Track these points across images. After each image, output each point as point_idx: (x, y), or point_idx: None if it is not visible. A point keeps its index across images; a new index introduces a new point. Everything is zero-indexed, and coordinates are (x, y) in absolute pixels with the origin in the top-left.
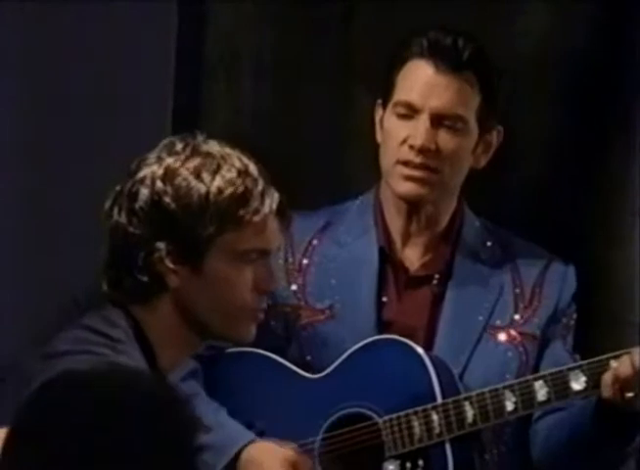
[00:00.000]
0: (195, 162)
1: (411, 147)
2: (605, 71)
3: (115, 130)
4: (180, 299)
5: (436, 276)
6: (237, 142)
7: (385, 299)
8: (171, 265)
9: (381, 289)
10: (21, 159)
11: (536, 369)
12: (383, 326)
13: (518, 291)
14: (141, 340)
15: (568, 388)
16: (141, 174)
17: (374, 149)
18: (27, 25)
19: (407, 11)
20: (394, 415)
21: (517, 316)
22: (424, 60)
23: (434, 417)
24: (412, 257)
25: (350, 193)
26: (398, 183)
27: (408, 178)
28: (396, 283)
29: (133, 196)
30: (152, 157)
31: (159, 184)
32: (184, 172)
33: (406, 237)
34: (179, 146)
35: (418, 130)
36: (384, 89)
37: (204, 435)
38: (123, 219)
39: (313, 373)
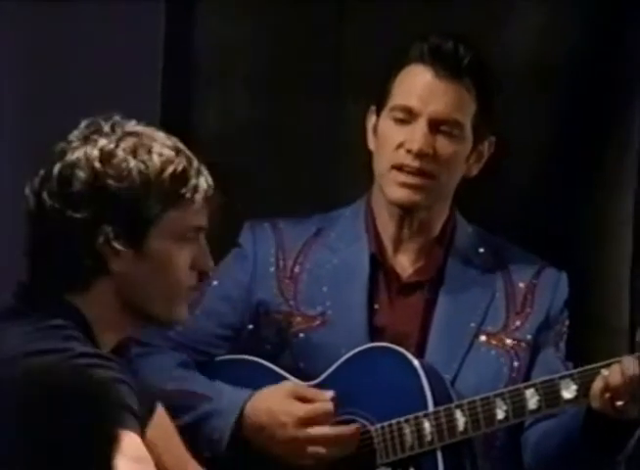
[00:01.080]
0: (129, 142)
1: (408, 151)
2: (599, 77)
3: None
4: (122, 282)
5: (428, 283)
6: (229, 152)
7: (376, 305)
8: (116, 248)
9: (372, 295)
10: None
11: (528, 376)
12: (374, 333)
13: (510, 297)
14: (81, 324)
15: (558, 396)
16: (72, 157)
17: (365, 159)
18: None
19: (402, 17)
20: (386, 423)
21: (509, 323)
22: (423, 65)
23: (426, 425)
24: (404, 263)
25: (341, 203)
26: (392, 189)
27: (403, 185)
28: (388, 290)
29: (66, 179)
30: (77, 139)
31: (97, 165)
32: (121, 153)
33: (398, 243)
34: (106, 127)
35: (415, 135)
36: (379, 95)
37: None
38: (57, 204)
39: (306, 380)
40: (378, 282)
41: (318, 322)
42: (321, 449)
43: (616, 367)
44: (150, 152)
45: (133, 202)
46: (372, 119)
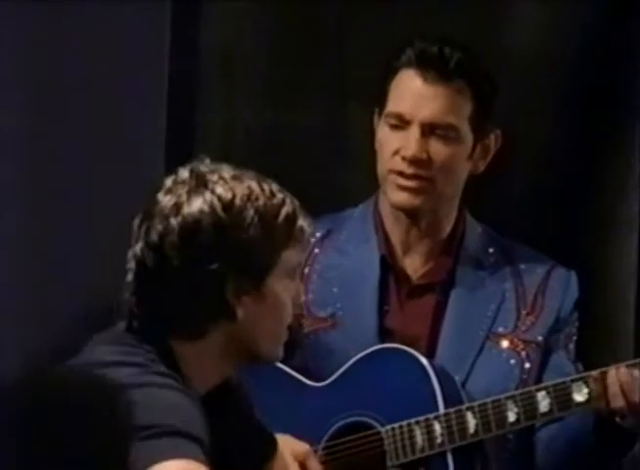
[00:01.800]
0: (241, 188)
1: (403, 158)
2: (602, 74)
3: (108, 148)
4: (240, 327)
5: (439, 284)
6: (232, 156)
7: (387, 307)
8: (242, 296)
9: (382, 297)
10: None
11: (539, 377)
12: (385, 335)
13: (520, 298)
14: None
15: (570, 399)
16: (193, 209)
17: (371, 161)
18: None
19: (402, 21)
20: (397, 424)
21: (519, 324)
22: (412, 70)
23: (437, 427)
24: (414, 265)
25: (347, 205)
26: (393, 193)
27: (402, 188)
28: (398, 291)
29: (190, 232)
30: (184, 189)
31: (222, 216)
32: (238, 201)
33: (407, 245)
34: (213, 176)
35: (409, 141)
36: (378, 98)
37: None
38: (182, 258)
39: (316, 381)
40: (388, 284)
41: (328, 324)
42: None
43: (614, 382)
44: (263, 197)
45: (255, 248)
46: (376, 121)
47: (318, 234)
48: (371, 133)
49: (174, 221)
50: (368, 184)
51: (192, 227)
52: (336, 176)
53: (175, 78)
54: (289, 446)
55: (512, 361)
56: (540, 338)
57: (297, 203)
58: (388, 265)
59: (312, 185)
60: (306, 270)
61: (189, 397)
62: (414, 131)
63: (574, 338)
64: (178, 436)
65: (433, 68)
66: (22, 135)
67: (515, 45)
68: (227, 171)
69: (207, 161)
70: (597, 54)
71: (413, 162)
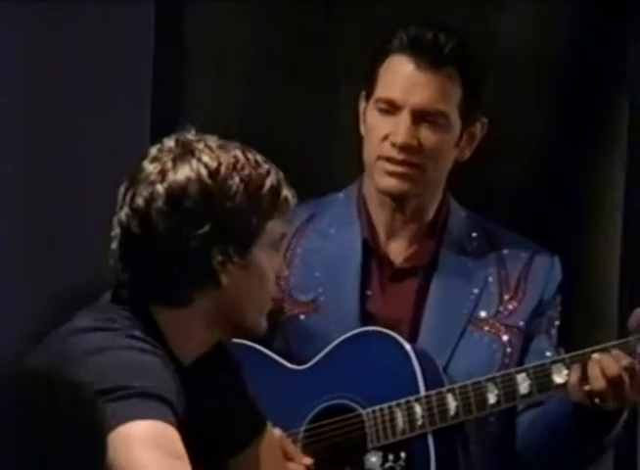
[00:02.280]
0: (226, 157)
1: (393, 144)
2: (590, 67)
3: (93, 135)
4: (226, 295)
5: (421, 269)
6: (222, 139)
7: (369, 292)
8: (228, 263)
9: (365, 282)
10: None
11: (521, 362)
12: (367, 319)
13: (503, 282)
14: (159, 341)
15: (550, 381)
16: (179, 176)
17: (358, 145)
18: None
19: (391, 8)
20: (378, 407)
21: (501, 308)
22: (404, 55)
23: (417, 409)
24: (397, 249)
25: (337, 188)
26: (381, 178)
27: (390, 174)
28: (381, 276)
29: (177, 199)
30: (170, 157)
31: (209, 183)
32: (224, 169)
33: (391, 230)
34: (199, 144)
35: (399, 127)
36: (367, 82)
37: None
38: (170, 224)
39: (298, 364)
40: (370, 268)
41: (310, 308)
42: None
43: (595, 364)
44: (248, 167)
45: (240, 216)
46: (362, 105)
47: (301, 218)
48: (357, 117)
49: (160, 187)
50: (356, 167)
51: (178, 193)
52: (328, 158)
53: (162, 64)
54: None
55: (494, 346)
56: (522, 323)
57: (281, 174)
58: (371, 249)
59: (305, 167)
60: (289, 255)
61: (161, 359)
62: (405, 117)
63: (557, 323)
64: (147, 397)
65: (426, 54)
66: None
67: (502, 36)
68: (213, 141)
69: (193, 131)
70: (587, 46)
71: (403, 148)
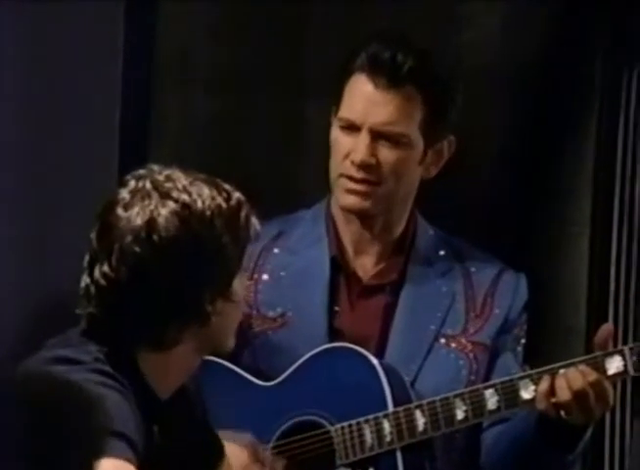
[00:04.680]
0: (204, 197)
1: (352, 162)
2: (556, 81)
3: (62, 147)
4: (209, 331)
5: (389, 285)
6: (189, 151)
7: (337, 308)
8: (215, 302)
9: (333, 298)
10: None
11: (487, 379)
12: (335, 335)
13: (470, 300)
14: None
15: (517, 396)
16: (168, 225)
17: (326, 161)
18: None
19: (360, 24)
20: (346, 423)
21: (468, 325)
22: (364, 75)
23: (386, 425)
24: (365, 266)
25: (305, 203)
26: (342, 196)
27: (350, 192)
28: (349, 292)
29: (169, 248)
30: (149, 204)
31: (196, 228)
32: (208, 212)
33: (359, 247)
34: (170, 185)
35: (358, 146)
36: (336, 99)
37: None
38: (164, 272)
39: (266, 381)
40: (339, 285)
41: (278, 324)
42: None
43: (562, 376)
44: (224, 202)
45: (226, 254)
46: (333, 120)
47: (269, 235)
48: (326, 132)
49: (150, 239)
50: (324, 184)
51: (170, 244)
52: (296, 173)
53: (130, 75)
54: (234, 439)
55: (460, 362)
56: (488, 340)
57: (243, 199)
58: (339, 266)
59: (273, 181)
60: (256, 271)
61: (126, 398)
62: (363, 137)
63: (523, 341)
64: (112, 435)
65: (384, 73)
66: None
67: (469, 44)
68: (183, 178)
69: (156, 167)
70: (552, 59)
71: (362, 166)
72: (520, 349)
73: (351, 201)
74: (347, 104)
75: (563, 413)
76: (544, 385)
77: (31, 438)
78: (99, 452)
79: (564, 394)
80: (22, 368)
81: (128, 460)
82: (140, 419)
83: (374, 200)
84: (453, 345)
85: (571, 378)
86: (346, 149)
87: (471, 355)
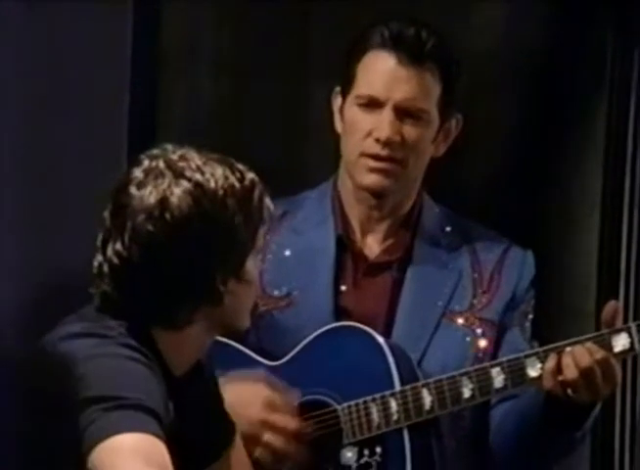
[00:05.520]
0: (217, 176)
1: (377, 140)
2: (562, 64)
3: (70, 130)
4: (223, 311)
5: (396, 263)
6: (196, 136)
7: (343, 287)
8: (227, 282)
9: (339, 277)
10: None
11: (495, 355)
12: (341, 314)
13: (476, 276)
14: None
15: (524, 374)
16: (181, 204)
17: (331, 144)
18: None
19: (363, 8)
20: (353, 402)
21: (475, 302)
22: (385, 51)
23: (393, 404)
24: (372, 244)
25: (310, 185)
26: (363, 175)
27: (373, 170)
28: (355, 271)
29: (181, 226)
30: (162, 183)
31: (208, 207)
32: (220, 191)
33: (367, 225)
34: (184, 164)
35: (382, 123)
36: (344, 79)
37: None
38: (176, 251)
39: (272, 360)
40: (345, 264)
41: (284, 303)
42: (276, 441)
43: (568, 354)
44: (237, 182)
45: (239, 235)
46: (337, 102)
47: (274, 215)
48: (330, 113)
49: (162, 217)
50: (329, 166)
51: (182, 222)
52: (301, 155)
53: (139, 62)
54: (251, 390)
55: (467, 339)
56: (496, 316)
57: (257, 179)
58: (345, 245)
59: (278, 163)
60: (262, 251)
61: (154, 372)
62: (388, 113)
63: (530, 317)
64: (137, 409)
65: (408, 49)
66: None
67: (478, 33)
68: (195, 158)
69: (170, 147)
70: (562, 43)
71: (387, 143)
72: (527, 325)
73: (374, 179)
74: (366, 80)
75: (570, 391)
76: (551, 363)
77: (52, 411)
78: (133, 429)
79: (570, 371)
80: (42, 344)
81: (154, 434)
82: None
83: (395, 178)
84: (460, 321)
85: (577, 355)
86: (367, 127)
87: (478, 332)
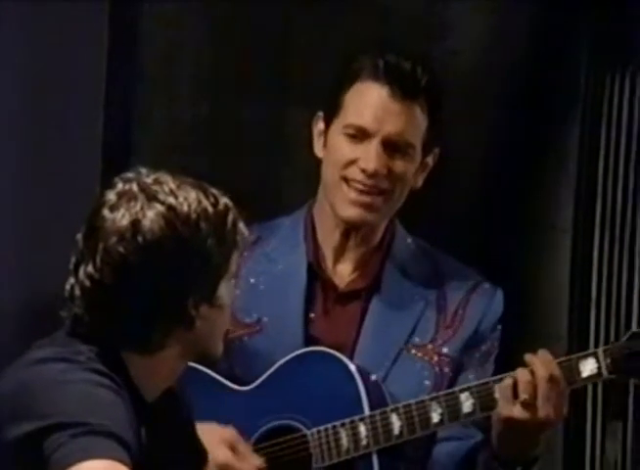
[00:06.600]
0: (190, 200)
1: (363, 171)
2: (536, 90)
3: (46, 148)
4: (195, 336)
5: (365, 291)
6: (173, 154)
7: (312, 315)
8: (199, 306)
9: (309, 305)
10: None
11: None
12: (310, 342)
13: (441, 310)
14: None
15: (493, 399)
16: (153, 226)
17: (308, 167)
18: None
19: (343, 28)
20: (322, 427)
21: (437, 336)
22: (378, 83)
23: (362, 429)
24: (342, 272)
25: (284, 208)
26: (344, 207)
27: (355, 203)
28: (325, 299)
29: (154, 249)
30: (135, 206)
31: (181, 230)
32: (193, 215)
33: (339, 253)
34: (157, 188)
35: (369, 154)
36: (329, 105)
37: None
38: (148, 274)
39: (242, 386)
40: (315, 291)
41: (254, 330)
42: None
43: (524, 370)
44: (211, 206)
45: (212, 258)
46: (319, 126)
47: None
48: (310, 137)
49: (134, 240)
50: (306, 188)
51: (154, 245)
52: (278, 176)
53: (115, 78)
54: (216, 432)
55: (425, 373)
56: (455, 353)
57: (231, 204)
58: (316, 273)
59: (255, 183)
60: None
61: (122, 398)
62: (375, 146)
63: (492, 357)
64: (104, 436)
65: (402, 84)
66: None
67: (450, 51)
68: (170, 182)
69: (144, 170)
70: (534, 64)
71: (373, 175)
72: (488, 365)
73: (354, 212)
74: (356, 111)
75: (528, 414)
76: (507, 381)
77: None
78: (100, 456)
79: (526, 387)
80: (9, 370)
81: (120, 461)
82: (133, 420)
83: (377, 212)
84: (420, 354)
85: (536, 367)
86: (352, 156)
87: (436, 367)
